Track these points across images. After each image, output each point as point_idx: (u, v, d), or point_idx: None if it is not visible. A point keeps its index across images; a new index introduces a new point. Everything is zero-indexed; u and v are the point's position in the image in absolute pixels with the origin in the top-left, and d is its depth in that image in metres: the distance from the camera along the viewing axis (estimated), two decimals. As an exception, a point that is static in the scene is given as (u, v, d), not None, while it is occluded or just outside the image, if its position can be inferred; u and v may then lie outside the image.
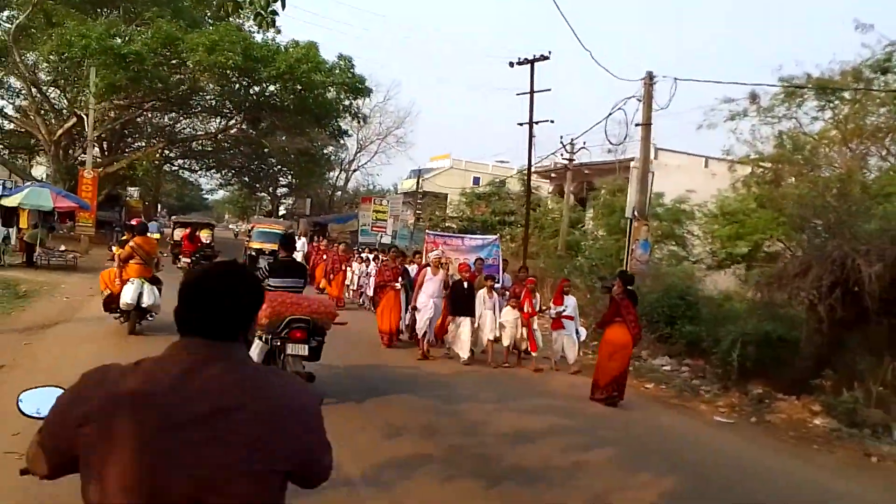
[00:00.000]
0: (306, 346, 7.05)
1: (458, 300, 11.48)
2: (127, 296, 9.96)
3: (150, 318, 10.53)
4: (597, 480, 5.78)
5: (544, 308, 12.36)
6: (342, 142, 41.82)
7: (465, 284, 11.73)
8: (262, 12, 6.27)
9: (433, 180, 48.35)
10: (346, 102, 33.40)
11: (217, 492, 1.49)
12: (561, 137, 25.55)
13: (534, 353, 11.49)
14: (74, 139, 32.46)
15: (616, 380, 9.15)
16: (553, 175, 34.56)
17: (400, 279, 12.41)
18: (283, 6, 5.89)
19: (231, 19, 31.26)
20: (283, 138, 38.42)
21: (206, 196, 67.80)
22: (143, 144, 37.47)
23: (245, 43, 25.73)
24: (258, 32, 31.62)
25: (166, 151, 37.89)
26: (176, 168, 44.70)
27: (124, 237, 11.55)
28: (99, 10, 27.69)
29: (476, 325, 11.47)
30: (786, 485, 6.60)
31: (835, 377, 10.13)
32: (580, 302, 13.45)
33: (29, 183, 22.57)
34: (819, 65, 20.40)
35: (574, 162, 27.11)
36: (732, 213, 22.87)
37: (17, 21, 27.95)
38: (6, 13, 29.51)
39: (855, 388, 9.62)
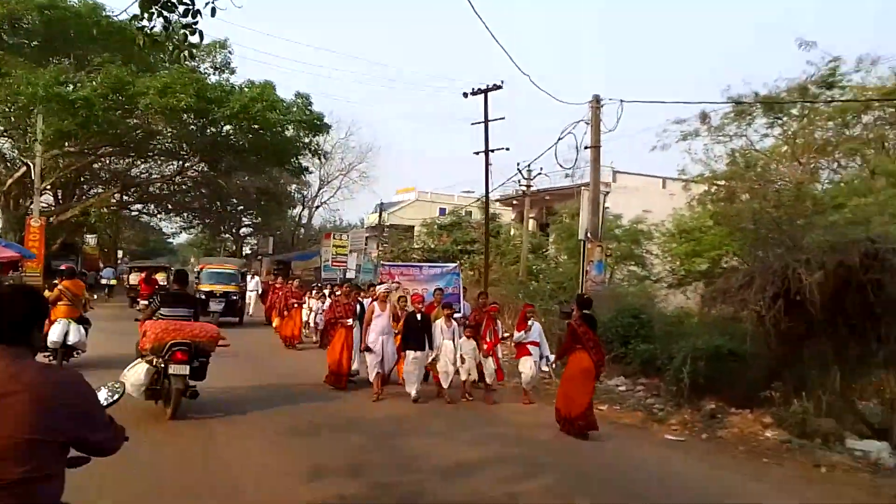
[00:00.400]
0: (187, 367, 8.03)
1: (411, 333, 10.79)
2: (54, 334, 10.73)
3: (76, 355, 11.34)
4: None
5: (506, 335, 11.96)
6: (304, 179, 41.67)
7: (419, 316, 11.01)
8: (179, 46, 6.11)
9: (399, 213, 48.37)
10: (306, 140, 33.32)
11: (5, 456, 2.12)
12: (518, 164, 25.63)
13: (500, 382, 11.20)
14: (26, 189, 31.84)
15: (586, 411, 8.65)
16: (514, 202, 34.78)
17: (353, 315, 11.76)
18: (213, 13, 5.67)
19: (186, 62, 31.33)
20: (245, 178, 38.26)
21: (169, 240, 67.02)
22: (100, 191, 36.95)
23: (198, 84, 25.57)
24: (214, 73, 31.73)
25: (123, 196, 37.31)
26: (135, 213, 44.08)
27: (55, 281, 12.05)
28: (50, 59, 27.31)
29: (433, 357, 10.90)
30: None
31: (784, 389, 10.09)
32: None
33: None
34: (766, 83, 20.75)
35: (532, 188, 27.23)
36: (689, 230, 23.09)
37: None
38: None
39: (804, 399, 9.56)
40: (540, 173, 25.47)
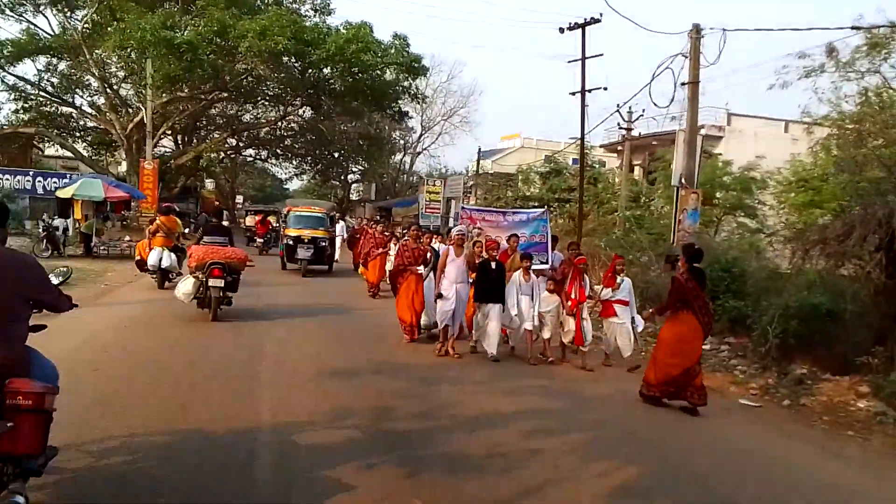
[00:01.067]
0: (222, 281, 10.40)
1: (484, 284, 9.63)
2: (152, 259, 13.71)
3: (171, 278, 13.88)
4: (541, 470, 5.08)
5: (593, 293, 10.23)
6: (406, 124, 41.55)
7: (493, 265, 9.74)
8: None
9: (503, 160, 47.44)
10: (405, 83, 33.06)
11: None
12: (618, 106, 24.17)
13: (583, 348, 9.64)
14: (146, 133, 33.66)
15: (676, 380, 7.35)
16: (620, 149, 33.12)
17: (423, 262, 10.71)
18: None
19: (286, 4, 31.64)
20: (348, 123, 38.60)
21: (285, 187, 69.28)
22: (215, 136, 38.48)
23: (295, 27, 25.67)
24: (314, 15, 31.83)
25: (234, 141, 38.70)
26: (249, 159, 45.79)
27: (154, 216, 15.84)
28: (160, 3, 28.31)
29: (512, 313, 9.63)
30: (778, 480, 5.64)
31: (887, 354, 8.89)
32: (638, 284, 11.63)
33: (81, 174, 23.41)
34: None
35: (634, 132, 25.67)
36: (807, 179, 21.05)
37: (85, 18, 29.20)
38: (80, 13, 30.82)
39: (908, 366, 8.38)
40: (642, 115, 23.88)
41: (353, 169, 50.91)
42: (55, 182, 23.28)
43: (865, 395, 8.61)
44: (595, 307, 10.63)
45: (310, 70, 28.91)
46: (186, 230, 21.71)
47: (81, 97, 34.72)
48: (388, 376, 7.88)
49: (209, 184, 44.05)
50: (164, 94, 28.28)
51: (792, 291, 10.52)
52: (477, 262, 9.90)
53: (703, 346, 11.03)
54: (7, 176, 23.63)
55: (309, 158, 43.12)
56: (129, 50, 26.03)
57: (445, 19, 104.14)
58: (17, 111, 33.78)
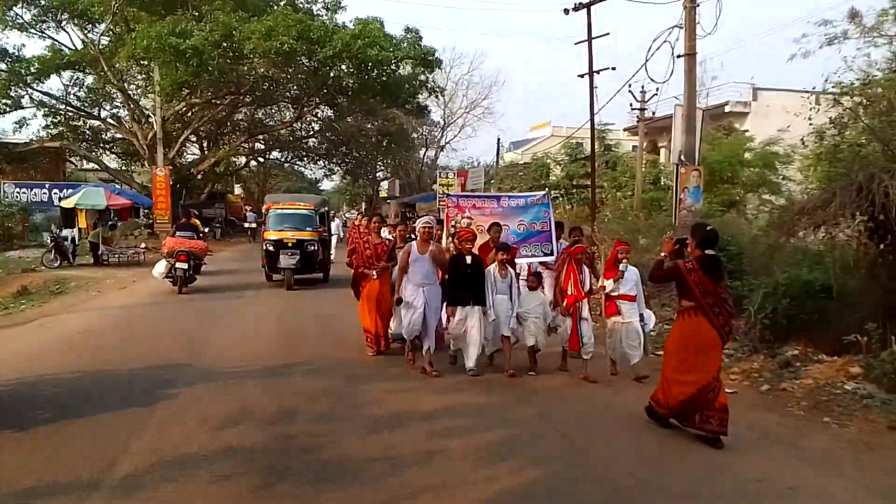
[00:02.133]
0: (186, 265, 14.39)
1: (457, 283, 8.03)
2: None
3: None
4: (424, 475, 4.56)
5: (594, 287, 8.45)
6: (429, 118, 41.10)
7: (469, 259, 8.09)
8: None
9: (533, 150, 46.52)
10: (422, 77, 32.62)
11: None
12: (630, 86, 23.25)
13: (584, 355, 7.92)
14: (167, 140, 33.98)
15: (691, 401, 5.73)
16: (646, 132, 31.99)
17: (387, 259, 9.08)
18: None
19: (298, 4, 31.54)
20: (378, 122, 38.36)
21: (321, 189, 69.71)
22: (244, 139, 38.68)
23: (301, 25, 25.45)
24: (326, 14, 31.60)
25: (254, 145, 38.87)
26: (276, 162, 46.04)
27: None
28: (170, 11, 28.48)
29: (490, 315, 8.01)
30: (708, 476, 4.98)
31: (883, 332, 8.05)
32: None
33: (83, 184, 23.63)
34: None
35: (651, 112, 24.70)
36: (833, 150, 19.81)
37: (102, 30, 29.65)
38: (101, 27, 31.33)
39: (898, 345, 7.55)
40: (655, 94, 22.91)
41: (380, 166, 50.76)
42: (70, 194, 23.61)
43: (856, 377, 7.81)
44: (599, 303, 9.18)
45: (323, 68, 28.68)
46: (206, 230, 23.53)
47: (106, 110, 35.36)
48: (318, 376, 7.41)
49: (238, 189, 44.49)
50: (175, 101, 28.45)
51: (784, 268, 9.73)
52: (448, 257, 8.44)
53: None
54: (24, 189, 24.14)
55: (334, 158, 43.04)
56: (138, 59, 26.23)
57: (460, 9, 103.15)
58: (46, 126, 34.56)
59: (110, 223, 20.41)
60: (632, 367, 8.03)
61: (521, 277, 9.45)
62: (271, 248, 15.63)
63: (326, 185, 63.98)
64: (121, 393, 6.52)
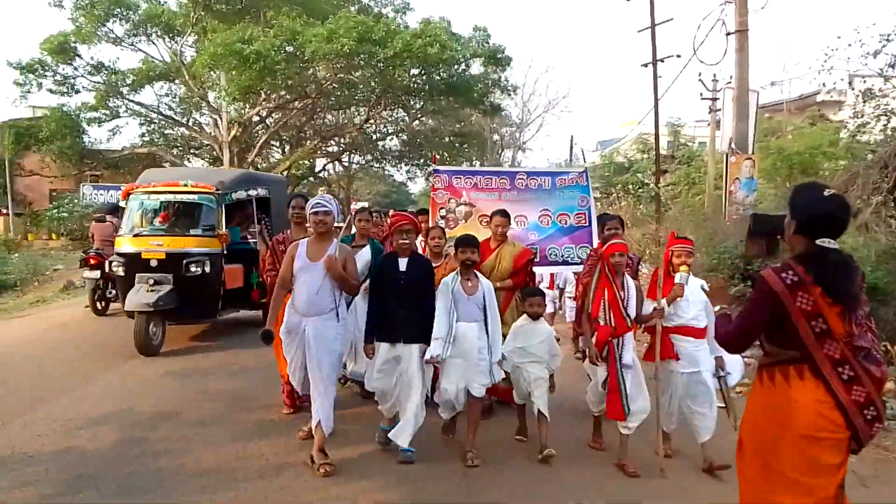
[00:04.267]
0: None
1: (382, 303, 5.31)
2: None
3: None
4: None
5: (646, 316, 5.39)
6: (510, 118, 40.36)
7: (403, 264, 5.33)
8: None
9: (622, 149, 44.86)
10: (494, 76, 32.08)
11: None
12: (700, 74, 21.67)
13: (623, 430, 5.22)
14: (249, 144, 35.04)
15: None
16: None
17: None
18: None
19: (369, 6, 31.80)
20: (456, 124, 38.07)
21: (410, 191, 70.00)
22: (317, 143, 39.44)
23: (363, 27, 25.45)
24: (396, 17, 31.59)
25: (333, 147, 39.45)
26: (356, 165, 46.64)
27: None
28: (241, 19, 29.31)
29: (433, 351, 5.17)
30: None
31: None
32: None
33: None
34: None
35: (718, 99, 22.90)
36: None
37: (183, 41, 31.01)
38: (188, 39, 32.82)
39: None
40: (730, 83, 21.09)
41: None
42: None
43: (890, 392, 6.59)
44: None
45: (386, 69, 28.66)
46: None
47: (195, 118, 36.97)
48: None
49: (321, 191, 45.35)
50: (248, 106, 29.19)
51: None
52: (448, 260, 6.07)
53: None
54: (101, 191, 25.41)
55: (413, 160, 43.17)
56: (210, 67, 27.13)
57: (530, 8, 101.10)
58: (141, 135, 36.56)
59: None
60: (702, 447, 5.21)
61: (551, 298, 8.38)
62: (122, 270, 9.23)
63: (415, 187, 64.45)
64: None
